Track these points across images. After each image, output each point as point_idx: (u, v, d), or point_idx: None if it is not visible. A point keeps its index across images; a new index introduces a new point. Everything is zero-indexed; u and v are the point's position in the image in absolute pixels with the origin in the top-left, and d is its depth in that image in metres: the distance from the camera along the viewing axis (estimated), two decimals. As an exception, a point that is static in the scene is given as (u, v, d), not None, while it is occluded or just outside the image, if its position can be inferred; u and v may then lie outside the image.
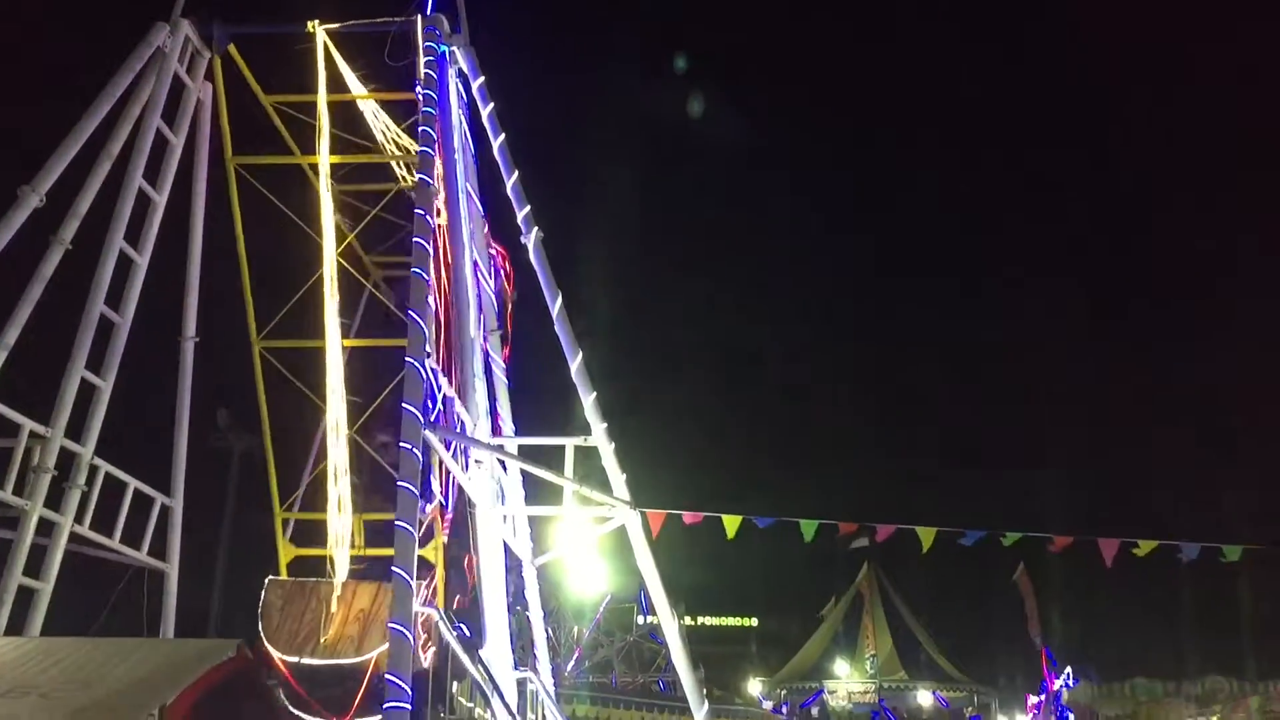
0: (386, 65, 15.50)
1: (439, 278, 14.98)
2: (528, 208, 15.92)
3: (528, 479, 16.16)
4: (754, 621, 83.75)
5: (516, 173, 16.06)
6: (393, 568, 10.78)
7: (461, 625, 13.80)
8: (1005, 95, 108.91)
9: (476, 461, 14.77)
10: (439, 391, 13.82)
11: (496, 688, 13.51)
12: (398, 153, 16.77)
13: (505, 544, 15.58)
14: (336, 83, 15.91)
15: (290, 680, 14.01)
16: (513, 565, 16.58)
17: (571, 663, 39.70)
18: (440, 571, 15.54)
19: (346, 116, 16.37)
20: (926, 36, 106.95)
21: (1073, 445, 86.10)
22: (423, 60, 15.05)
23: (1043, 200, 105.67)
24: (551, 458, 15.25)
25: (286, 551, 16.52)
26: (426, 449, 12.29)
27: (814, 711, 56.36)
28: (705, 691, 17.29)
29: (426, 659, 14.57)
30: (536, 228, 15.75)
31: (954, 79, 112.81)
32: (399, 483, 11.20)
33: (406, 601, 10.54)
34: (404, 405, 11.65)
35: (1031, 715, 49.65)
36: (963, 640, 65.44)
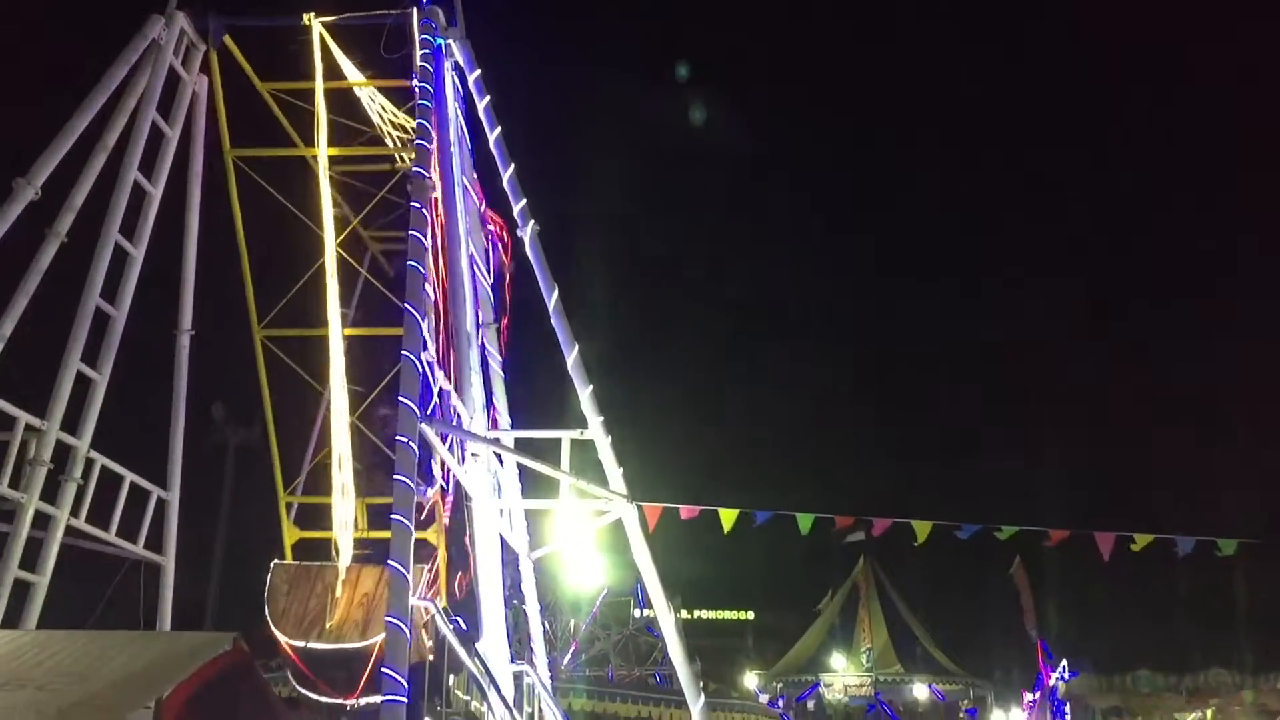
0: (383, 57, 15.50)
1: (436, 268, 14.99)
2: (524, 201, 15.91)
3: (524, 472, 16.15)
4: (750, 615, 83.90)
5: (513, 166, 16.04)
6: (389, 561, 10.78)
7: (458, 618, 13.82)
8: (1005, 95, 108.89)
9: (473, 455, 14.77)
10: (435, 385, 13.81)
11: (493, 681, 13.53)
12: (394, 133, 16.79)
13: (502, 537, 15.59)
14: (333, 73, 15.92)
15: (297, 662, 14.19)
16: (509, 559, 16.59)
17: (568, 656, 39.74)
18: (442, 553, 15.64)
19: (343, 101, 16.41)
20: (926, 36, 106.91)
21: (1071, 444, 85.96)
22: (418, 53, 15.03)
23: (1043, 200, 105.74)
24: (548, 451, 15.26)
25: (291, 534, 16.65)
26: (423, 442, 12.29)
27: (810, 705, 56.49)
28: (701, 684, 17.31)
29: (430, 649, 14.66)
30: (533, 221, 15.73)
31: (954, 79, 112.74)
32: (395, 475, 11.20)
33: (403, 595, 10.54)
34: (400, 399, 11.65)
35: (1027, 710, 49.77)
36: (959, 634, 65.59)
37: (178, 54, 15.30)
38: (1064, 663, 46.33)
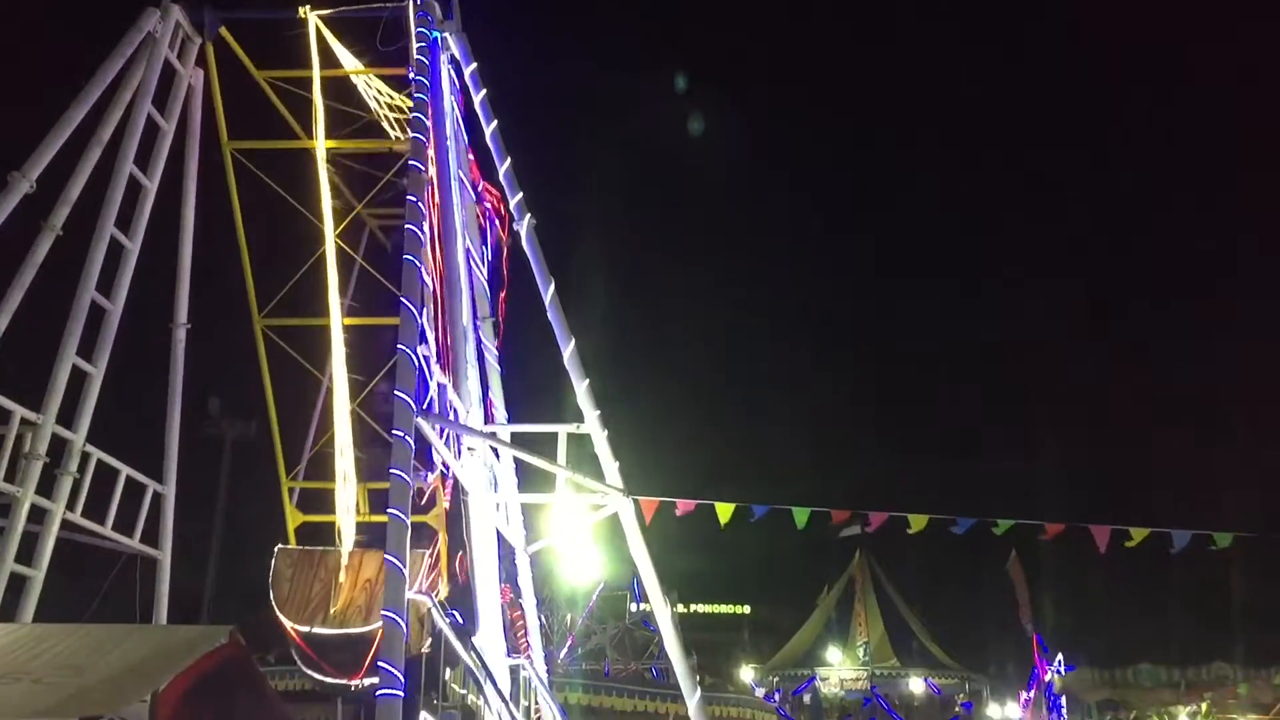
0: (379, 49, 15.52)
1: (433, 256, 15.01)
2: (520, 194, 15.89)
3: (520, 466, 16.16)
4: (747, 609, 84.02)
5: (509, 160, 16.03)
6: (385, 555, 10.78)
7: (454, 612, 13.83)
8: (1005, 95, 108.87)
9: (469, 449, 14.77)
10: (431, 379, 13.81)
11: (490, 675, 13.53)
12: (391, 115, 16.81)
13: (498, 531, 15.60)
14: (330, 63, 15.94)
15: (301, 645, 14.32)
16: (505, 553, 16.59)
17: (564, 650, 39.73)
18: (443, 537, 15.72)
19: (340, 87, 16.42)
20: (926, 36, 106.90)
21: (1070, 443, 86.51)
22: (414, 46, 15.00)
23: (1043, 200, 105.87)
24: (544, 445, 15.24)
25: (294, 518, 16.77)
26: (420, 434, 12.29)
27: (806, 699, 56.42)
28: (698, 679, 17.33)
29: (425, 644, 14.72)
30: (529, 214, 15.71)
31: (954, 79, 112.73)
32: (391, 470, 11.18)
33: (399, 589, 10.54)
34: (396, 393, 11.63)
35: (1023, 706, 49.87)
36: (955, 628, 65.72)
37: (173, 47, 15.26)
38: (1059, 657, 46.43)
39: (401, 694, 9.95)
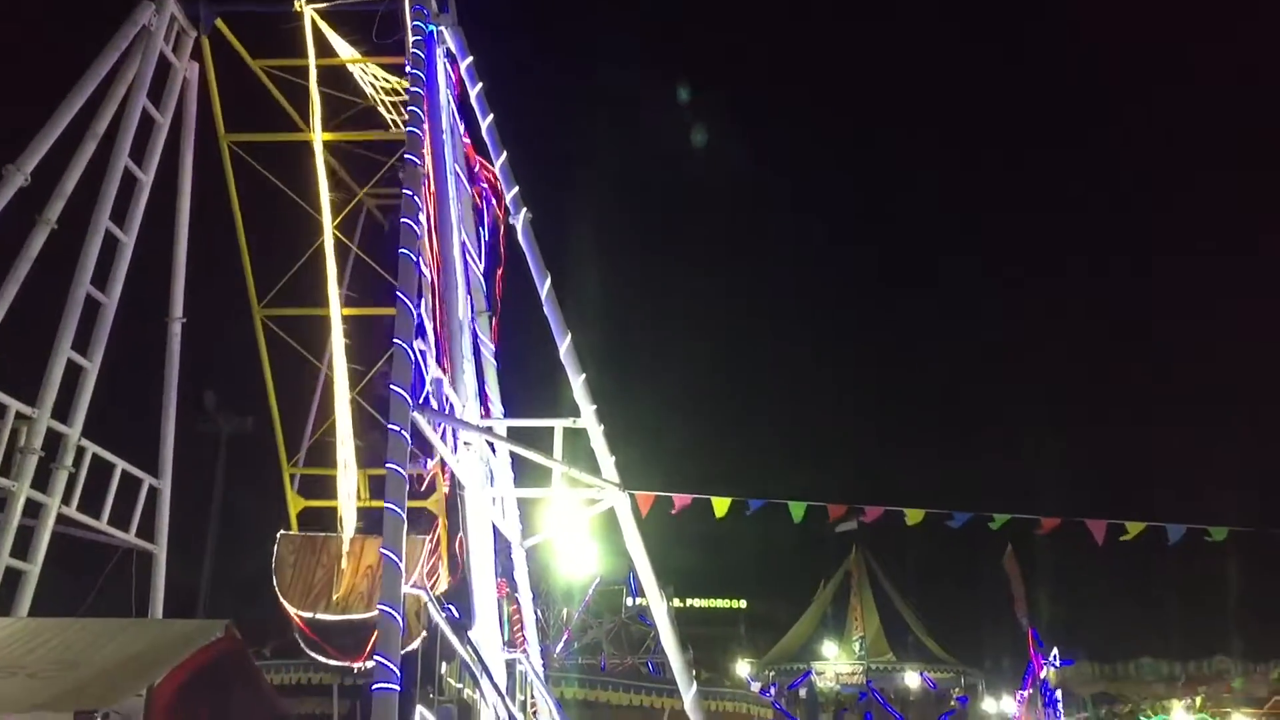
0: (375, 41, 15.53)
1: (430, 246, 15.03)
2: (516, 188, 15.86)
3: (517, 460, 16.13)
4: (743, 604, 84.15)
5: (505, 153, 15.99)
6: (381, 549, 10.76)
7: (450, 606, 13.84)
8: (1005, 95, 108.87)
9: (465, 443, 14.75)
10: (428, 373, 13.80)
11: (485, 669, 13.52)
12: (388, 98, 16.83)
13: (494, 526, 15.59)
14: (326, 54, 15.96)
15: (304, 629, 14.44)
16: (502, 547, 16.59)
17: (560, 645, 39.73)
18: (443, 521, 15.79)
19: (337, 75, 16.45)
20: (926, 37, 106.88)
21: (1069, 442, 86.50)
22: (410, 40, 14.97)
23: (1043, 200, 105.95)
24: (540, 439, 15.22)
25: (295, 503, 16.86)
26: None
27: (802, 693, 56.48)
28: (694, 673, 17.32)
29: (417, 641, 14.76)
30: (525, 209, 15.68)
31: (954, 79, 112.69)
32: (387, 464, 11.16)
33: (395, 584, 10.51)
34: (392, 387, 11.61)
35: (1019, 701, 49.96)
36: (950, 622, 65.77)
37: (168, 40, 15.23)
38: (1055, 651, 46.52)
39: (397, 688, 9.95)
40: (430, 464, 14.92)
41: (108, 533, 14.38)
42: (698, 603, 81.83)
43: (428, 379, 13.58)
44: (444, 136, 15.61)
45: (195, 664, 9.87)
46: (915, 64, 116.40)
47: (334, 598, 14.92)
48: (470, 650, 13.52)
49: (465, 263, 16.22)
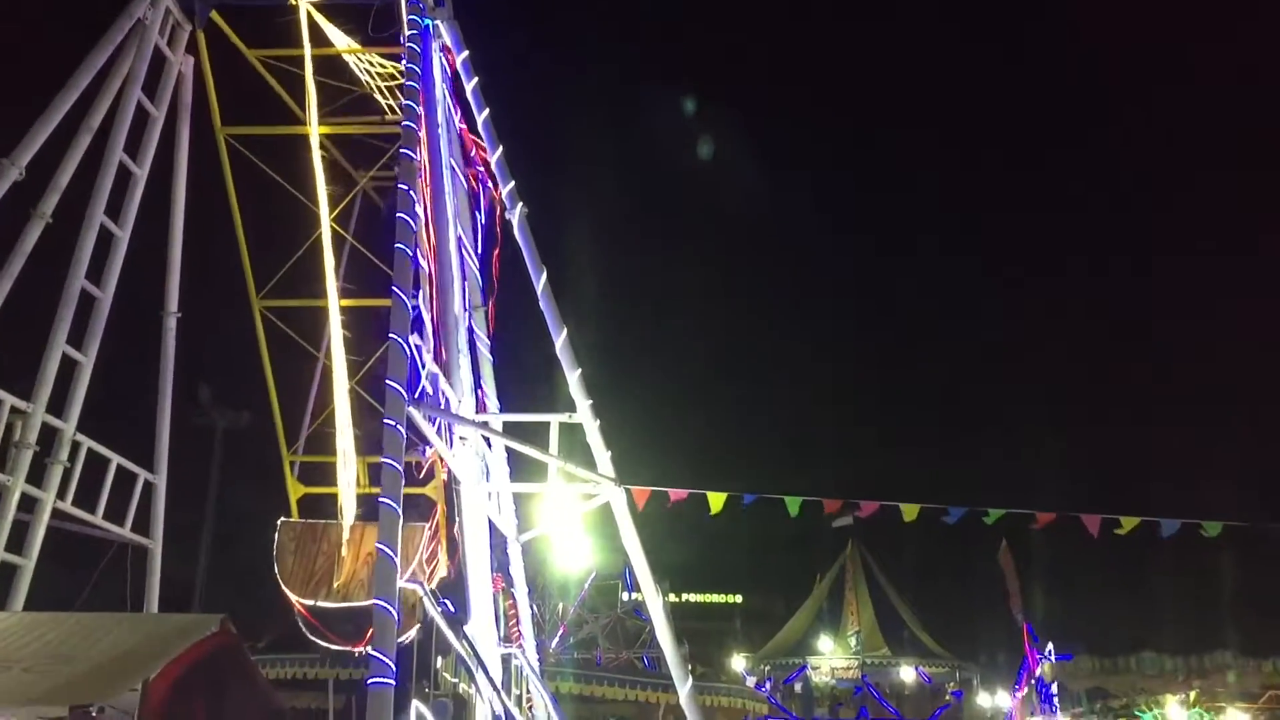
0: (370, 35, 15.54)
1: (427, 238, 15.04)
2: (512, 183, 15.84)
3: (512, 455, 16.13)
4: (738, 598, 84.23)
5: (500, 148, 15.97)
6: (378, 544, 10.75)
7: (446, 600, 13.84)
8: (1005, 95, 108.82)
9: (461, 438, 14.75)
10: (423, 367, 13.80)
11: (481, 663, 13.53)
12: (384, 84, 16.85)
13: (490, 520, 15.60)
14: (322, 46, 15.99)
15: (306, 615, 14.53)
16: (498, 542, 16.59)
17: (556, 639, 39.79)
18: (442, 507, 15.83)
19: (332, 64, 16.47)
20: (927, 37, 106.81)
21: (1067, 441, 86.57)
22: (406, 33, 14.95)
23: (1042, 200, 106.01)
24: (536, 434, 15.23)
25: (295, 489, 16.92)
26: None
27: (797, 687, 56.63)
28: (689, 668, 17.34)
29: (413, 632, 14.81)
30: (521, 203, 15.66)
31: (954, 79, 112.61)
32: (383, 459, 11.16)
33: (390, 579, 10.50)
34: (388, 382, 11.61)
35: (1015, 697, 50.06)
36: (945, 617, 65.99)
37: (163, 34, 15.20)
38: (1050, 646, 46.63)
39: (393, 683, 9.95)
40: (429, 451, 14.97)
41: (103, 527, 14.37)
42: (693, 597, 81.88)
43: (423, 374, 13.58)
44: (439, 131, 15.59)
45: (191, 658, 9.86)
46: (915, 64, 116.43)
47: (335, 585, 15.05)
48: (466, 645, 13.53)
49: (461, 257, 16.21)
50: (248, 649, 13.24)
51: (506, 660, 15.33)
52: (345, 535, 15.38)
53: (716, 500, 17.04)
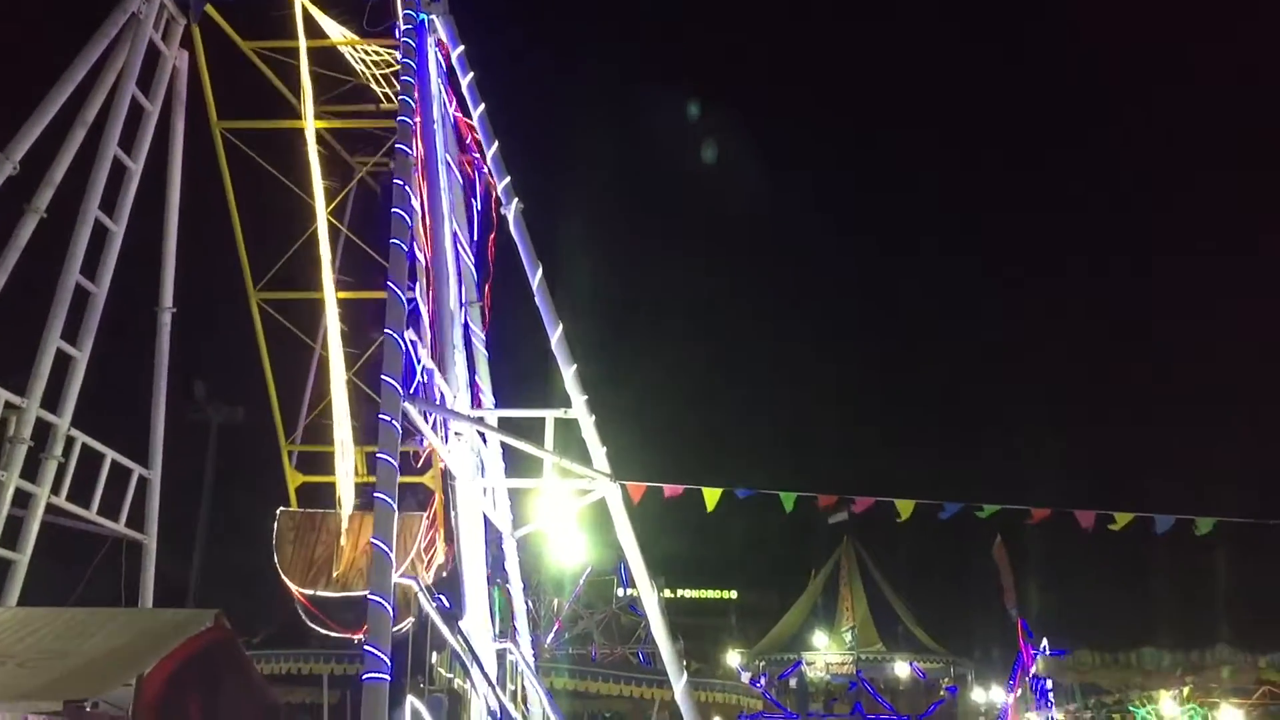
0: (365, 29, 15.54)
1: (423, 231, 15.04)
2: (508, 179, 15.81)
3: (507, 451, 16.13)
4: (733, 594, 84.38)
5: (496, 143, 15.95)
6: (373, 539, 10.76)
7: (441, 596, 13.85)
8: (1005, 95, 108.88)
9: (456, 434, 14.75)
10: (419, 362, 13.80)
11: (476, 659, 13.54)
12: (379, 73, 16.85)
13: (485, 516, 15.60)
14: (317, 38, 16.01)
15: (305, 603, 14.61)
16: (492, 538, 16.60)
17: (551, 635, 39.80)
18: (439, 497, 15.87)
19: (328, 55, 16.48)
20: (927, 37, 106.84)
21: (1067, 441, 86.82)
22: (401, 28, 14.94)
23: (1042, 200, 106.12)
24: (532, 430, 15.23)
25: (294, 478, 16.97)
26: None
27: (792, 683, 56.70)
28: (684, 663, 17.36)
29: (408, 623, 14.86)
30: (517, 199, 15.65)
31: (954, 79, 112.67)
32: (378, 455, 11.16)
33: (385, 574, 10.52)
34: (383, 377, 11.61)
35: (1010, 693, 50.20)
36: (940, 613, 66.18)
37: (158, 28, 15.16)
38: (1045, 641, 46.73)
39: (388, 678, 9.95)
40: (426, 440, 15.07)
41: (97, 522, 14.35)
42: (688, 593, 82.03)
43: (419, 369, 13.58)
44: (434, 126, 15.58)
45: (185, 653, 9.86)
46: (915, 64, 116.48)
47: (334, 574, 15.12)
48: (461, 640, 13.53)
49: (456, 252, 16.19)
50: (242, 644, 13.26)
51: (501, 656, 15.34)
52: (344, 525, 15.43)
53: (711, 496, 17.08)
